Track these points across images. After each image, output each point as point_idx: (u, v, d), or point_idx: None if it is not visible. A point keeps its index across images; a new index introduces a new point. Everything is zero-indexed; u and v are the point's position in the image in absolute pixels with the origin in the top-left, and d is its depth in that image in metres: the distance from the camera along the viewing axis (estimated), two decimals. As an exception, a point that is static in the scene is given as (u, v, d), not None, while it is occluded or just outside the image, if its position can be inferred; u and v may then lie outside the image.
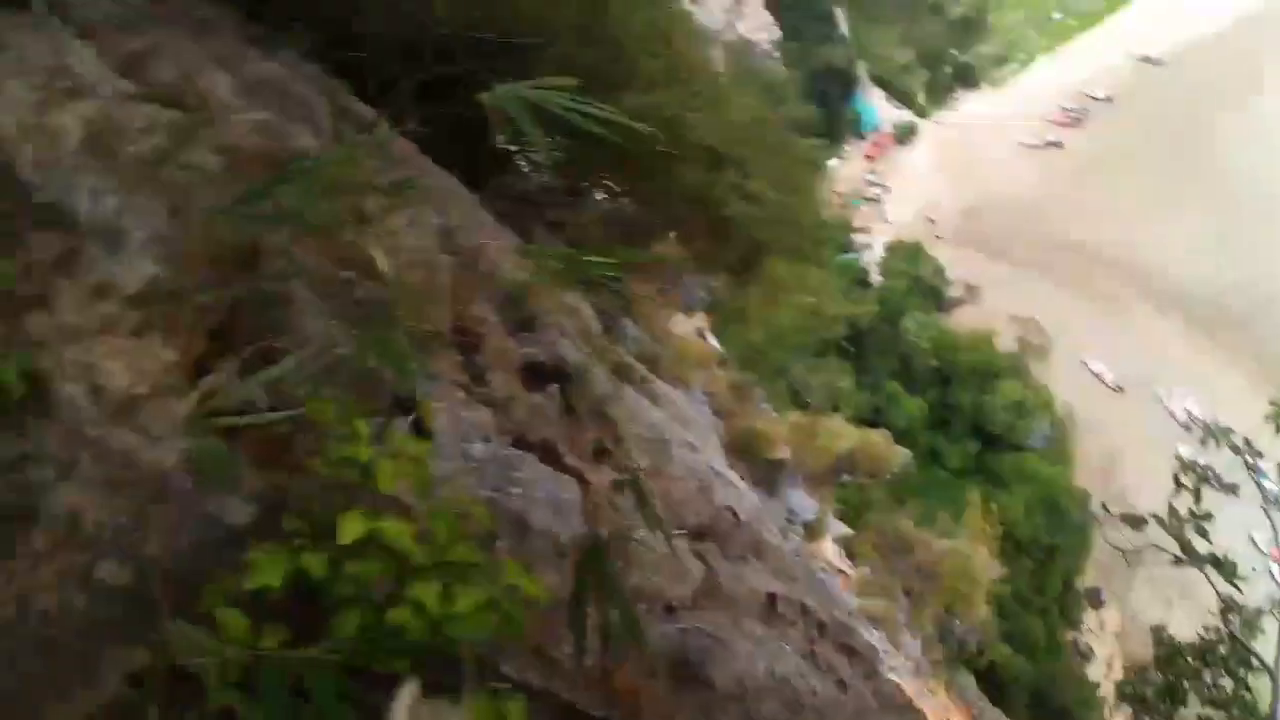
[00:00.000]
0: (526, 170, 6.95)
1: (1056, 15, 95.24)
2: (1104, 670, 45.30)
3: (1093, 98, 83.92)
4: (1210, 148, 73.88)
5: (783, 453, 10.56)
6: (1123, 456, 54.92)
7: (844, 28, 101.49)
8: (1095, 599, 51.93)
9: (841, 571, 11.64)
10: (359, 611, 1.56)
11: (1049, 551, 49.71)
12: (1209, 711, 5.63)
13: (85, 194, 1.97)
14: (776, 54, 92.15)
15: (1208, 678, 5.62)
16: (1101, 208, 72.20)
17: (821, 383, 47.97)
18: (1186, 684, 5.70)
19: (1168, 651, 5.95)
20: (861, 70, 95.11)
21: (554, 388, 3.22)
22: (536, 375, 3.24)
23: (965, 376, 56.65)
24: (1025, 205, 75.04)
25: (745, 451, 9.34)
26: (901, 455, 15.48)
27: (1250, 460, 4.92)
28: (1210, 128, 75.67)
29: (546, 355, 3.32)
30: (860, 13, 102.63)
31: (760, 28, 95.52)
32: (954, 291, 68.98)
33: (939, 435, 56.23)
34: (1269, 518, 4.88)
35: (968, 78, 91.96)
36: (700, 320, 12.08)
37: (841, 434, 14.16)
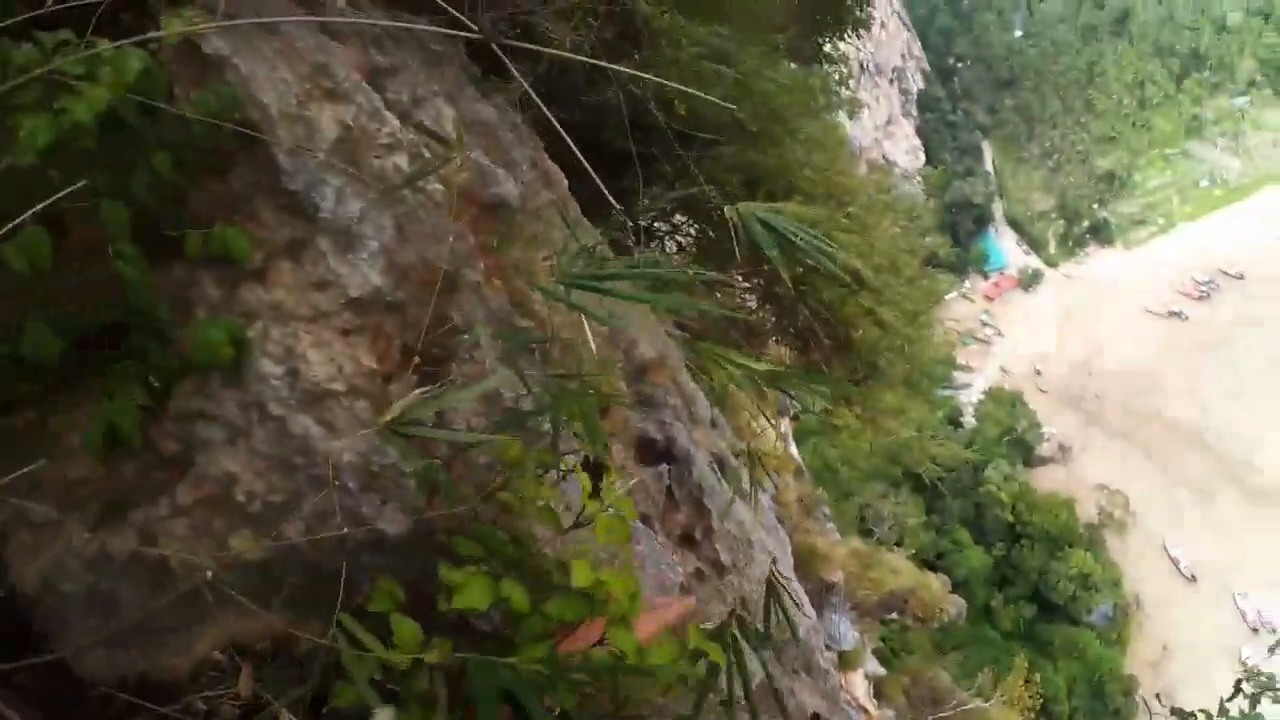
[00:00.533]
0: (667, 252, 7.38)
1: (1204, 183, 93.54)
2: None
3: (1225, 273, 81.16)
4: None
5: (837, 576, 10.50)
6: (1181, 649, 52.68)
7: (989, 164, 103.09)
8: None
9: (865, 710, 11.36)
10: (545, 645, 1.72)
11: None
12: None
13: (331, 192, 2.08)
14: (918, 179, 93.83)
15: None
16: (1212, 388, 69.66)
17: (890, 513, 47.21)
18: None
19: None
20: (998, 209, 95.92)
21: (663, 467, 3.33)
22: (648, 451, 3.36)
23: (1038, 538, 54.91)
24: (1135, 373, 72.99)
25: (801, 567, 9.35)
26: (955, 605, 14.99)
27: None
28: None
29: (660, 434, 3.41)
30: (1007, 153, 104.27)
31: (907, 151, 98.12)
32: (1045, 448, 67.29)
33: (997, 592, 54.33)
34: None
35: (1103, 234, 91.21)
36: (785, 425, 12.25)
37: (899, 570, 13.89)
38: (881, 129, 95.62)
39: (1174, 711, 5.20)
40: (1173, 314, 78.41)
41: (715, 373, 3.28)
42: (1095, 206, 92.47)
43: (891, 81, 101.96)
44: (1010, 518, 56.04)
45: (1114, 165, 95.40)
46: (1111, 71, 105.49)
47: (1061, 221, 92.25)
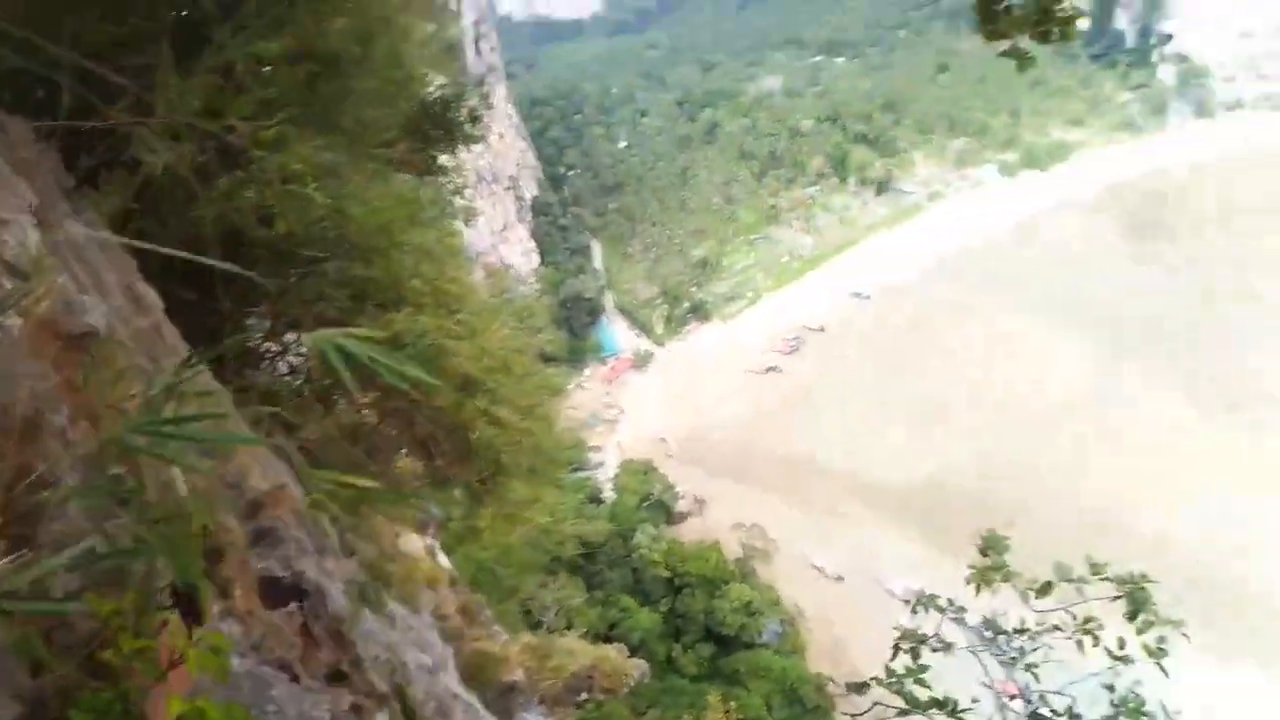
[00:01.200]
0: (279, 372, 6.76)
1: (784, 260, 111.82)
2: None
3: (808, 329, 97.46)
4: (904, 366, 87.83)
5: (516, 675, 10.09)
6: (851, 638, 57.87)
7: (598, 261, 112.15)
8: None
9: None
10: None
11: (795, 731, 50.95)
12: None
13: None
14: (534, 280, 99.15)
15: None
16: (815, 424, 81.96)
17: (554, 600, 47.42)
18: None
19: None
20: (608, 300, 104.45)
21: (293, 606, 3.08)
22: (274, 591, 3.09)
23: (696, 584, 58.67)
24: (747, 424, 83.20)
25: (477, 676, 8.83)
26: (637, 668, 15.38)
27: (955, 616, 5.70)
28: (902, 348, 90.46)
29: (285, 570, 3.18)
30: (614, 250, 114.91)
31: (523, 254, 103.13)
32: (682, 505, 72.88)
33: (674, 643, 56.90)
34: (979, 660, 5.59)
35: (701, 312, 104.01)
36: (431, 538, 11.64)
37: (575, 652, 13.81)
38: (498, 234, 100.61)
39: (849, 686, 5.77)
40: (770, 369, 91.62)
41: (318, 498, 2.98)
42: (693, 289, 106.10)
43: (508, 189, 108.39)
44: (667, 573, 59.50)
45: (707, 253, 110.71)
46: (703, 174, 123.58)
47: (665, 305, 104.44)
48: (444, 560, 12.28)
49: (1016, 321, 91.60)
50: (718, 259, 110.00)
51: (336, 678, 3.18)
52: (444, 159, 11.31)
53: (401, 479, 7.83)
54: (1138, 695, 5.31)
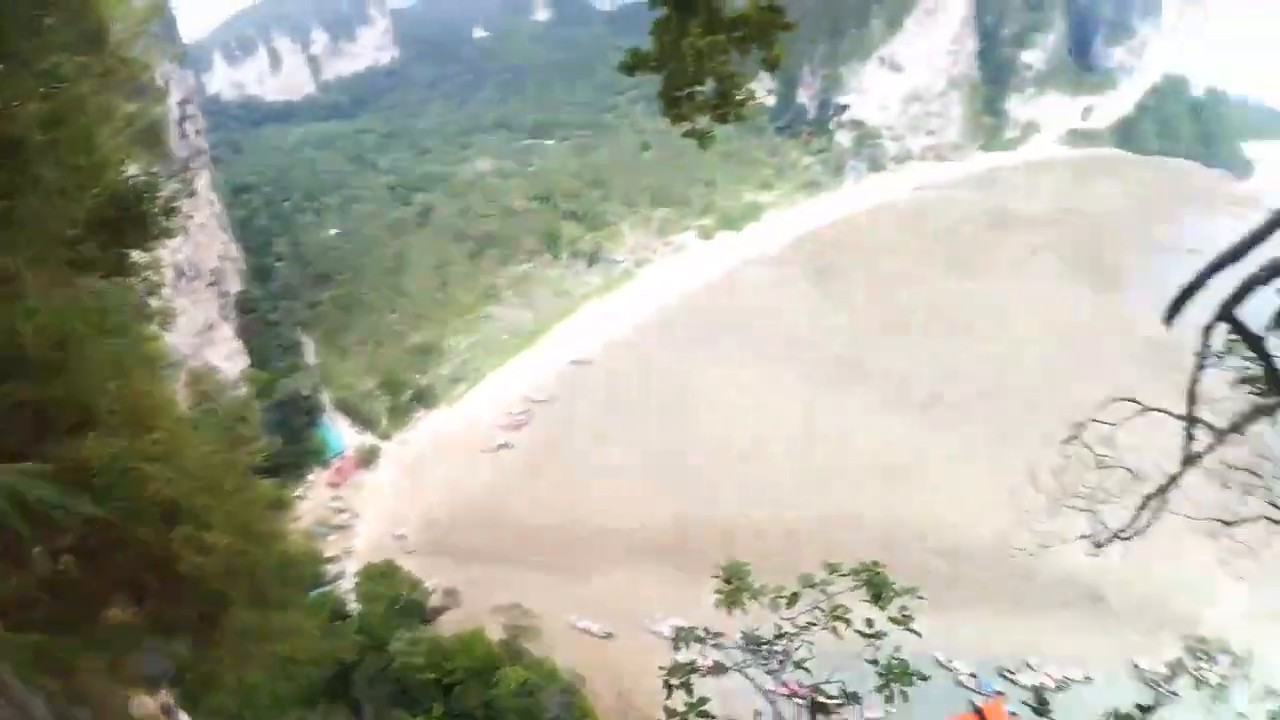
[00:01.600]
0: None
1: (504, 337, 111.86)
2: None
3: (535, 400, 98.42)
4: (632, 420, 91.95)
5: None
6: (634, 689, 58.84)
7: (312, 357, 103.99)
8: None
9: None
10: None
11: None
12: None
13: None
14: (242, 384, 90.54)
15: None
16: (554, 491, 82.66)
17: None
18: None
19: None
20: (326, 398, 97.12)
21: None
22: None
23: (466, 679, 56.11)
24: (486, 505, 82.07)
25: None
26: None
27: (715, 642, 6.07)
28: (628, 404, 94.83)
29: None
30: (328, 342, 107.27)
31: (229, 356, 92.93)
32: (435, 600, 69.70)
33: (458, 748, 53.93)
34: (746, 676, 5.99)
35: (427, 398, 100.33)
36: (164, 695, 10.17)
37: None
38: (202, 335, 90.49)
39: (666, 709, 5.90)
40: (501, 446, 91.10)
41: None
42: (416, 376, 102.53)
43: (210, 285, 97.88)
44: (433, 675, 56.36)
45: (426, 337, 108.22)
46: (418, 258, 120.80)
47: (387, 396, 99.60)
48: (185, 716, 10.76)
49: (727, 366, 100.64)
50: (438, 342, 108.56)
51: None
52: (137, 256, 10.20)
53: (113, 630, 6.76)
54: (900, 660, 5.93)
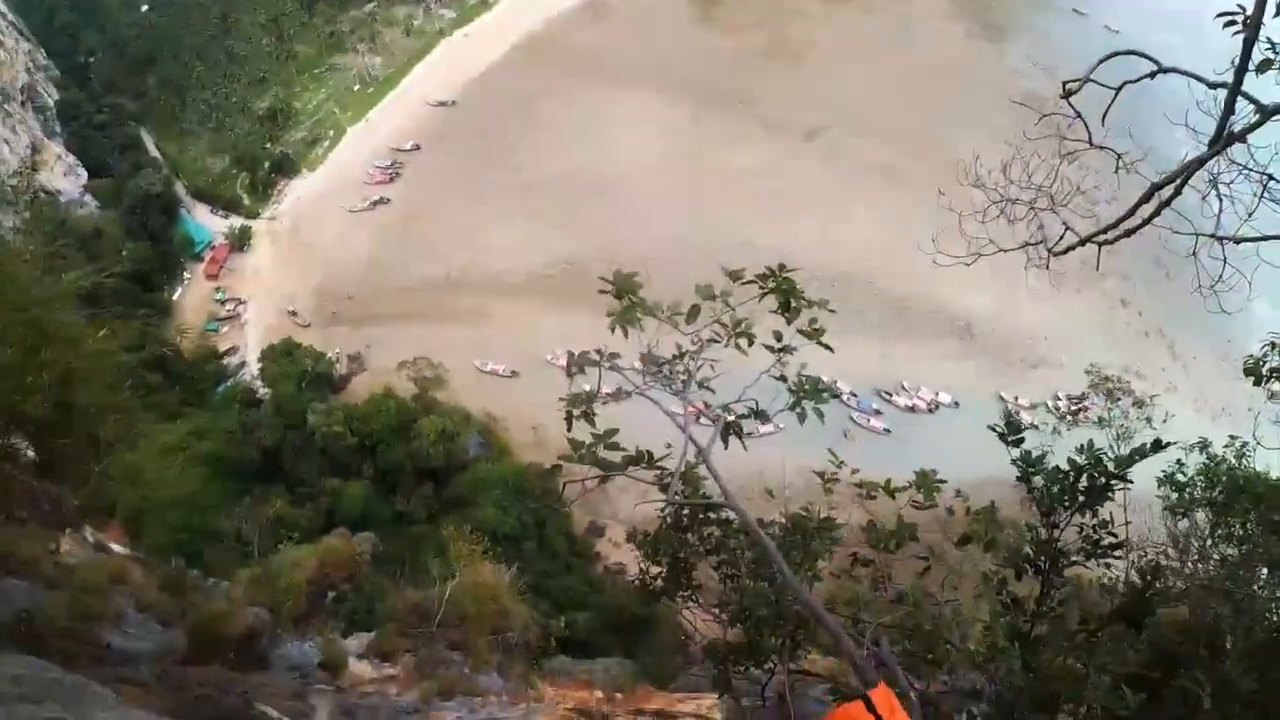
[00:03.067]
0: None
1: (357, 87, 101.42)
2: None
3: (402, 150, 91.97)
4: (508, 160, 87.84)
5: (248, 619, 9.41)
6: (546, 422, 60.49)
7: (153, 150, 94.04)
8: (597, 530, 59.33)
9: (389, 677, 10.96)
10: None
11: (538, 525, 55.69)
12: (715, 559, 6.78)
13: None
14: (89, 196, 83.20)
15: (693, 539, 6.76)
16: (438, 241, 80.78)
17: (255, 520, 44.60)
18: (683, 553, 6.80)
19: (648, 542, 6.94)
20: (180, 190, 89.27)
21: None
22: None
23: (386, 437, 58.16)
24: (371, 264, 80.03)
25: (211, 645, 8.07)
26: (364, 541, 15.15)
27: (610, 365, 5.69)
28: (502, 143, 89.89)
29: None
30: (168, 131, 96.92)
31: (65, 171, 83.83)
32: (340, 368, 70.06)
33: (394, 499, 57.10)
34: (650, 400, 5.76)
35: (286, 167, 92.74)
36: (94, 533, 10.06)
37: (300, 561, 13.22)
38: (32, 160, 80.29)
39: (552, 468, 5.96)
40: (376, 203, 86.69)
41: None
42: (269, 146, 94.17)
43: (24, 104, 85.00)
44: (355, 439, 58.17)
45: (272, 102, 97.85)
46: (245, 17, 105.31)
47: (244, 174, 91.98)
48: (119, 549, 10.72)
49: (601, 96, 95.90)
50: (286, 105, 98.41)
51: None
52: None
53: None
54: (810, 376, 5.82)
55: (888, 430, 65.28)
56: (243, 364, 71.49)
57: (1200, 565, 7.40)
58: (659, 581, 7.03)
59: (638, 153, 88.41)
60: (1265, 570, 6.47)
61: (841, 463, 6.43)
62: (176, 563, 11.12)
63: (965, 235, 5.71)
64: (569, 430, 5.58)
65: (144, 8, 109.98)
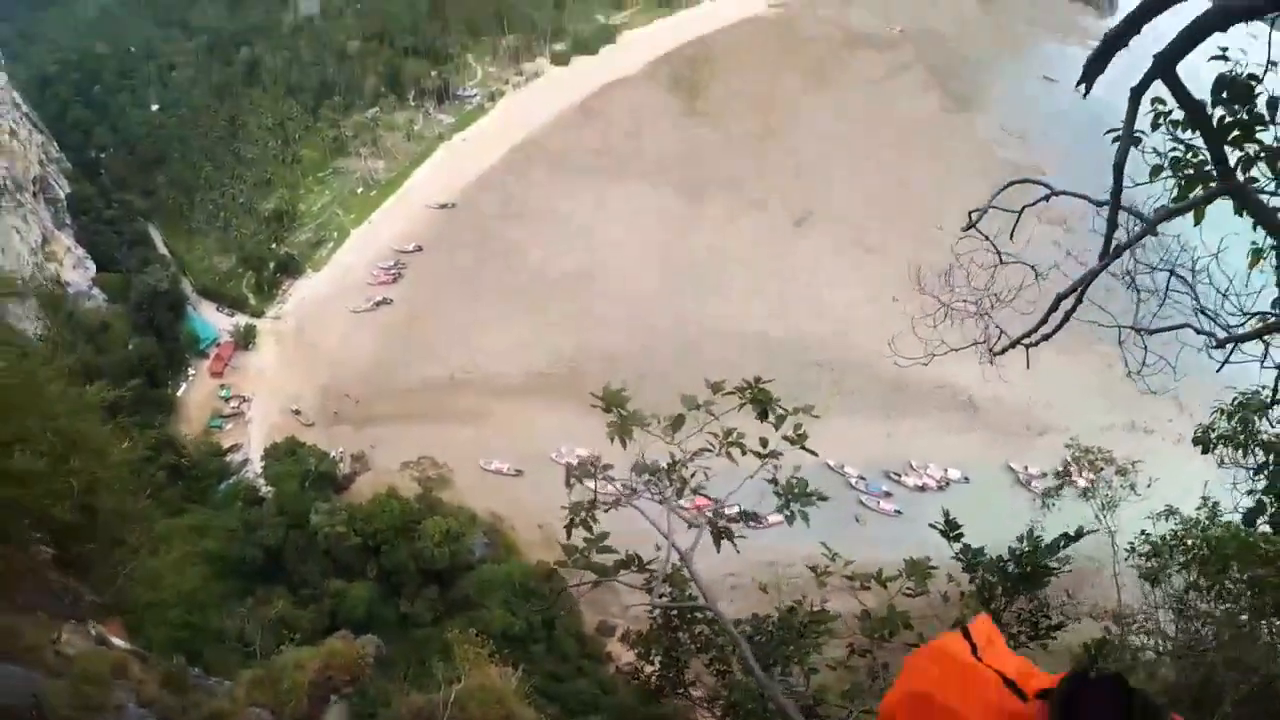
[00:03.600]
0: None
1: (360, 190, 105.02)
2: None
3: (404, 251, 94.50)
4: (507, 259, 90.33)
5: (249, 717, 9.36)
6: (553, 521, 59.95)
7: (162, 247, 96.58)
8: (607, 630, 57.61)
9: None
10: None
11: (547, 625, 54.55)
12: (706, 656, 6.81)
13: None
14: (96, 290, 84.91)
15: (684, 637, 6.82)
16: (440, 340, 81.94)
17: (258, 620, 43.73)
18: (675, 652, 6.83)
19: (641, 641, 7.02)
20: (187, 286, 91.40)
21: None
22: None
23: (391, 537, 57.58)
24: (374, 365, 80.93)
25: None
26: (369, 644, 14.91)
27: (605, 477, 6.06)
28: (501, 242, 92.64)
29: None
30: (175, 229, 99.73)
31: (75, 264, 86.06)
32: (344, 468, 69.97)
33: (399, 600, 56.14)
34: (639, 510, 6.05)
35: (291, 268, 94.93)
36: (96, 626, 10.03)
37: (303, 662, 12.93)
38: (40, 251, 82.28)
39: (546, 573, 6.09)
40: (379, 304, 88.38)
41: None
42: (275, 246, 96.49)
43: (36, 195, 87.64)
44: (358, 539, 57.45)
45: (278, 204, 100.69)
46: (252, 120, 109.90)
47: (250, 273, 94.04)
48: (120, 643, 10.67)
49: (596, 193, 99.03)
50: (291, 207, 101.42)
51: None
52: None
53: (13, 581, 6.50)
54: (800, 479, 6.05)
55: (898, 511, 64.59)
56: (245, 461, 71.57)
57: (1182, 625, 7.47)
58: (654, 680, 7.10)
59: (631, 244, 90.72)
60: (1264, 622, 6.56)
61: (835, 555, 6.52)
62: (178, 660, 11.02)
63: (919, 337, 5.96)
64: (568, 537, 5.88)
65: (154, 107, 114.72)
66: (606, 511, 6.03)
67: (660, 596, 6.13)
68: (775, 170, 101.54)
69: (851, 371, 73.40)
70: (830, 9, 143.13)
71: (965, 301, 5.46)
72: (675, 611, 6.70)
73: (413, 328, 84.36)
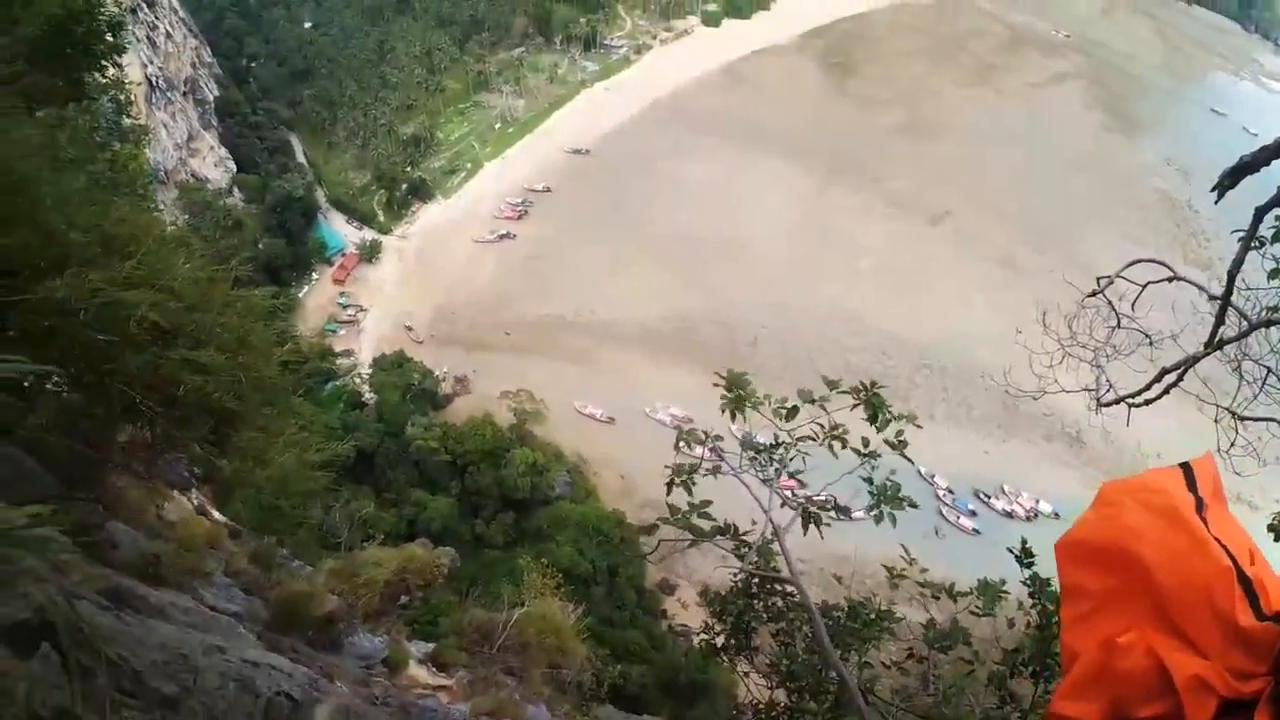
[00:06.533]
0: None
1: (498, 126, 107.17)
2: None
3: (534, 190, 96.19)
4: (634, 212, 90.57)
5: (330, 605, 10.18)
6: (635, 472, 61.93)
7: (300, 156, 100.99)
8: (668, 588, 58.88)
9: (442, 687, 11.56)
10: None
11: (610, 572, 55.41)
12: (774, 626, 7.17)
13: None
14: (235, 189, 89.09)
15: (758, 605, 7.23)
16: (556, 281, 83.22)
17: (342, 516, 46.12)
18: (747, 616, 7.27)
19: (718, 601, 7.50)
20: (321, 196, 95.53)
21: (45, 647, 2.72)
22: (20, 638, 2.71)
23: (479, 460, 59.66)
24: (490, 295, 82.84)
25: (292, 620, 8.85)
26: (446, 555, 15.82)
27: (713, 446, 6.36)
28: (630, 195, 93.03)
29: (23, 611, 2.74)
30: (316, 141, 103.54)
31: (217, 164, 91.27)
32: (445, 387, 72.26)
33: (475, 519, 58.34)
34: (741, 481, 6.38)
35: (422, 191, 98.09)
36: (199, 496, 11.07)
37: (382, 561, 13.82)
38: (185, 147, 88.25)
39: (638, 530, 6.54)
40: (503, 237, 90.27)
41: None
42: (409, 169, 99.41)
43: (186, 95, 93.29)
44: (448, 457, 59.86)
45: (417, 129, 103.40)
46: (400, 47, 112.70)
47: (382, 191, 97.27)
48: (219, 516, 11.81)
49: (732, 157, 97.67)
50: (430, 133, 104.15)
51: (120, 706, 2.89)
52: (98, 78, 9.73)
53: (128, 448, 7.23)
54: (894, 483, 6.28)
55: (977, 531, 62.66)
56: (354, 366, 74.77)
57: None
58: (720, 638, 7.57)
59: (762, 218, 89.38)
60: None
61: (913, 560, 6.79)
62: (268, 540, 12.06)
63: (1033, 372, 6.21)
64: (668, 495, 6.30)
65: (308, 24, 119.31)
66: (704, 477, 6.42)
67: (749, 563, 6.51)
68: (918, 165, 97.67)
69: (962, 382, 71.02)
70: (994, 3, 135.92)
71: (1083, 347, 5.66)
72: (757, 580, 7.11)
73: (532, 264, 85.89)
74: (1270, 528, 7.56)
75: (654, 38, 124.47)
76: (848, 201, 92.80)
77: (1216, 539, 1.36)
